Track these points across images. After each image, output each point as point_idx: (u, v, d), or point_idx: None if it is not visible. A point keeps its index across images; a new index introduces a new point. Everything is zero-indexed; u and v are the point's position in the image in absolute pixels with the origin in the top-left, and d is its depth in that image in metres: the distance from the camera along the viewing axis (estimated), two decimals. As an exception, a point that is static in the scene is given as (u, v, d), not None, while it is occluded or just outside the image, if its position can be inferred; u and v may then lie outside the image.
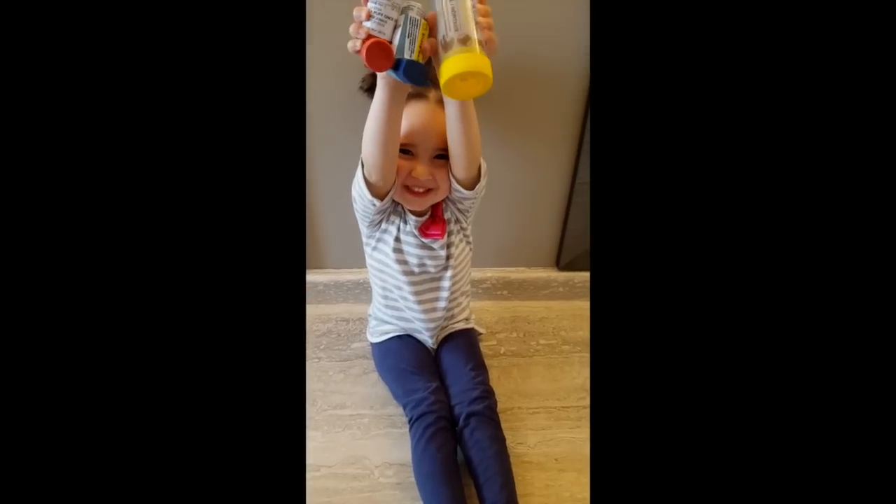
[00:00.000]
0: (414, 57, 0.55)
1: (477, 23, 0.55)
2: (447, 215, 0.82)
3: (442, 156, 0.75)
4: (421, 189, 0.76)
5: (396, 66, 0.56)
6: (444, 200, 0.82)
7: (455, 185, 0.76)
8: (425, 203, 0.79)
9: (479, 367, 0.88)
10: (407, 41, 0.55)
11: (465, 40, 0.54)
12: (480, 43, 0.55)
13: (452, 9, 0.54)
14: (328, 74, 0.88)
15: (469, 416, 0.78)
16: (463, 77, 0.54)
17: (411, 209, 0.81)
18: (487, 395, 0.82)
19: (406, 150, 0.74)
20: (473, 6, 0.55)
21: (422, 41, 0.56)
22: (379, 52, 0.55)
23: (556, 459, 0.83)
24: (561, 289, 1.14)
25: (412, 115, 0.72)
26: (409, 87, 0.63)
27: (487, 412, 0.79)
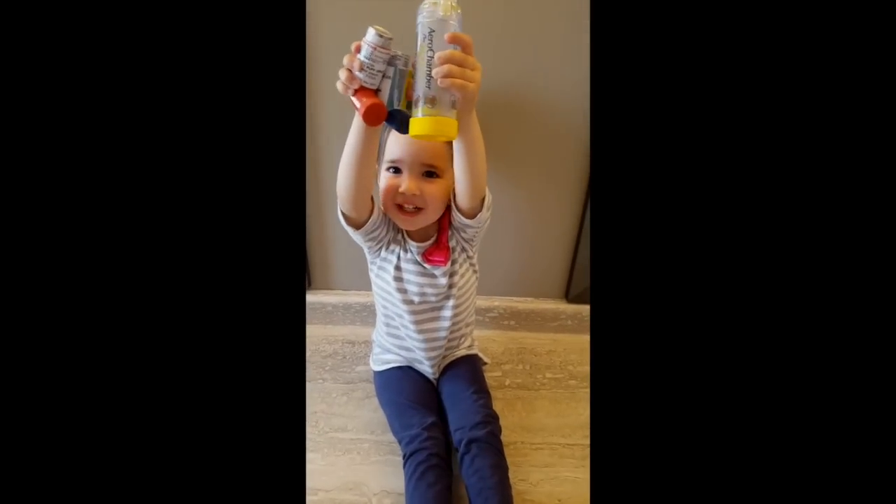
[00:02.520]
0: (402, 106, 0.61)
1: (430, 78, 0.57)
2: (452, 243, 0.82)
3: (431, 173, 0.75)
4: (411, 207, 0.76)
5: (390, 117, 0.61)
6: (449, 227, 0.82)
7: (456, 212, 0.76)
8: (416, 223, 0.78)
9: (481, 391, 0.86)
10: (396, 92, 0.60)
11: (415, 102, 0.58)
12: (431, 100, 0.57)
13: (414, 64, 0.58)
14: (342, 98, 0.90)
15: (470, 442, 0.76)
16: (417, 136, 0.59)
17: (407, 231, 0.81)
18: (490, 420, 0.80)
19: (394, 168, 0.76)
20: (429, 60, 0.57)
21: (408, 90, 0.60)
22: (376, 113, 0.60)
23: (559, 500, 0.80)
24: (570, 322, 1.13)
25: (396, 132, 0.72)
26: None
27: (489, 438, 0.77)
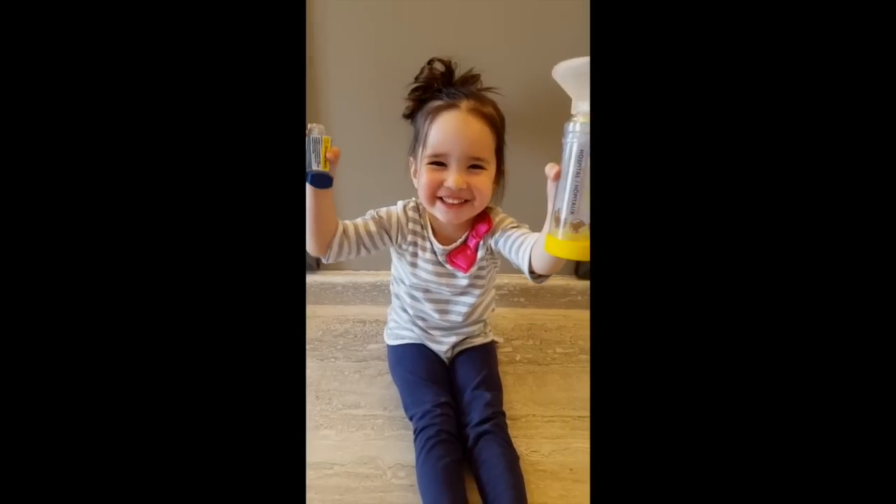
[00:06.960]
0: (322, 167, 0.68)
1: (575, 203, 0.54)
2: (481, 252, 0.81)
3: (476, 166, 0.74)
4: (455, 201, 0.74)
5: (309, 177, 0.69)
6: (483, 236, 0.80)
7: (524, 268, 0.75)
8: (461, 215, 0.76)
9: (492, 387, 0.86)
10: (312, 156, 0.67)
11: (577, 226, 0.55)
12: (574, 226, 0.55)
13: (576, 187, 0.54)
14: (346, 84, 0.90)
15: (478, 436, 0.77)
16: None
17: (444, 222, 0.79)
18: (496, 415, 0.80)
19: (438, 162, 0.73)
20: (575, 183, 0.54)
21: (325, 153, 0.67)
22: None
23: (570, 469, 0.81)
24: (579, 297, 1.13)
25: (443, 125, 0.73)
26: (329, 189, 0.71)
27: (496, 430, 0.78)
